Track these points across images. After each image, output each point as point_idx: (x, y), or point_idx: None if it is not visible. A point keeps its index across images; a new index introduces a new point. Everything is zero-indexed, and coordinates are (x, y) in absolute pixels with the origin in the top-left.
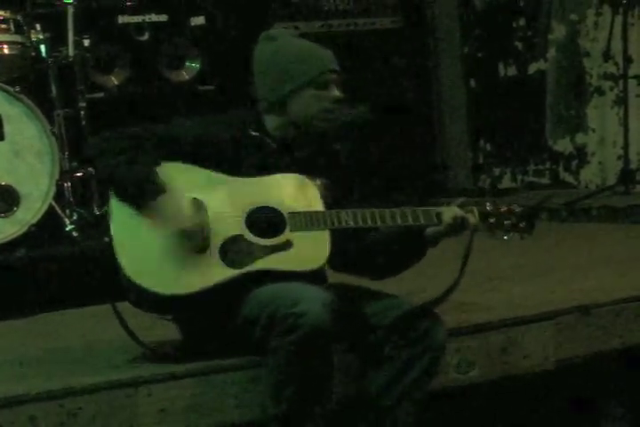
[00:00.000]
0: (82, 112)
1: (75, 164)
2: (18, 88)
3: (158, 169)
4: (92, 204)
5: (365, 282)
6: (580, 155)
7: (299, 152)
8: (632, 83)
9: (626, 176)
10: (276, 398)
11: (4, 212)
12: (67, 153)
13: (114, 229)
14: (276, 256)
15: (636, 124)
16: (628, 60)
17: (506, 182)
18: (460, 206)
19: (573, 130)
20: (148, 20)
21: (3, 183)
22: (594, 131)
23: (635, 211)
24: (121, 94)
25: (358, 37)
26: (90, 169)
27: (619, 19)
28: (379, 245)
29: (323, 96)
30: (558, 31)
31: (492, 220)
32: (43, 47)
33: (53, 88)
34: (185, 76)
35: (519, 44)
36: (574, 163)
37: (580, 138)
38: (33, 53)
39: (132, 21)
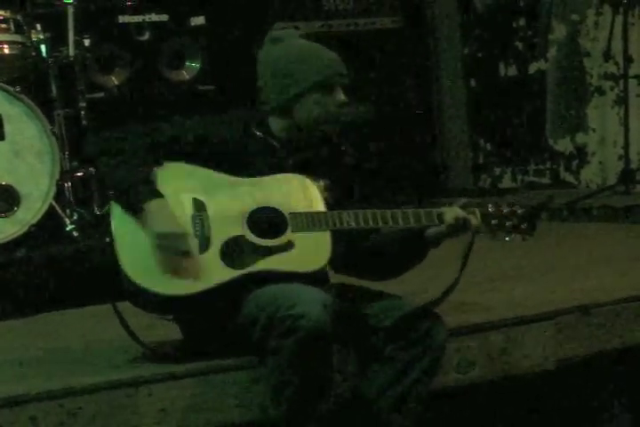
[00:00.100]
0: (82, 112)
1: (75, 163)
2: (18, 88)
3: (159, 169)
4: (92, 204)
5: (366, 282)
6: (581, 155)
7: (302, 153)
8: (632, 82)
9: (626, 176)
10: (276, 399)
11: (5, 212)
12: (67, 153)
13: (115, 228)
14: (278, 257)
15: (636, 124)
16: (628, 59)
17: (506, 182)
18: (462, 207)
19: (574, 130)
20: (148, 20)
21: (3, 183)
22: (594, 131)
23: (635, 211)
24: (121, 94)
25: (358, 37)
26: (90, 169)
27: (619, 18)
28: (380, 246)
29: (327, 100)
30: (559, 31)
31: (493, 221)
32: (43, 47)
33: (54, 88)
34: (185, 75)
35: (519, 44)
36: (575, 163)
37: (580, 138)
38: (33, 53)
39: (133, 21)
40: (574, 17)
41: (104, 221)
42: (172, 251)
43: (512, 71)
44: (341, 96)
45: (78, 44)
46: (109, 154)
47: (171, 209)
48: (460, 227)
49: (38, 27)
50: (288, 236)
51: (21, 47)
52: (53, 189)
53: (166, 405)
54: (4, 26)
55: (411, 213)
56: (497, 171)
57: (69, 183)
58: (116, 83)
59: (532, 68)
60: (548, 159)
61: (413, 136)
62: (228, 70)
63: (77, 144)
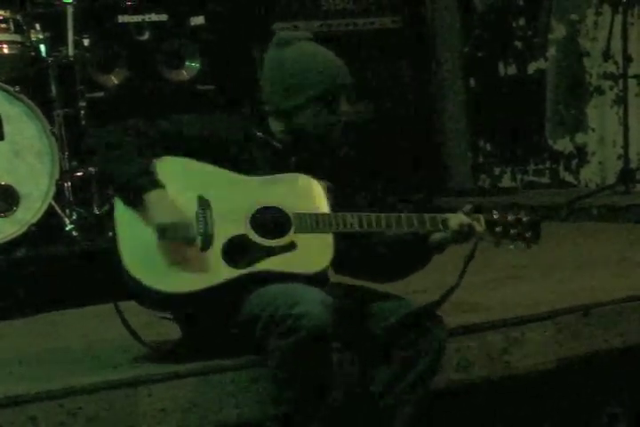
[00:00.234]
0: (82, 112)
1: (74, 163)
2: (18, 88)
3: (165, 162)
4: (91, 203)
5: (367, 283)
6: (580, 154)
7: (303, 154)
8: (632, 82)
9: (626, 175)
10: (276, 399)
11: (4, 211)
12: (66, 153)
13: (117, 225)
14: (280, 257)
15: (635, 124)
16: (627, 59)
17: (506, 182)
18: (467, 214)
19: (573, 129)
20: (147, 20)
21: (2, 183)
22: (594, 130)
23: (635, 210)
24: (121, 94)
25: (358, 37)
26: (90, 169)
27: (618, 18)
28: (383, 249)
29: (330, 111)
30: (558, 31)
31: (498, 228)
32: (42, 47)
33: (53, 88)
34: (185, 75)
35: (519, 44)
36: (574, 162)
37: (579, 137)
38: (33, 53)
39: (132, 21)
40: (574, 17)
41: (103, 220)
42: (175, 240)
43: (512, 71)
44: (344, 106)
45: (78, 44)
46: (109, 147)
47: (171, 199)
48: (465, 233)
49: (38, 26)
50: (291, 236)
51: (21, 47)
52: (53, 189)
53: (166, 405)
54: (3, 26)
55: (415, 217)
56: (496, 170)
57: (69, 183)
58: (116, 82)
59: (532, 67)
60: (547, 159)
61: (413, 136)
62: (228, 70)
63: (77, 144)
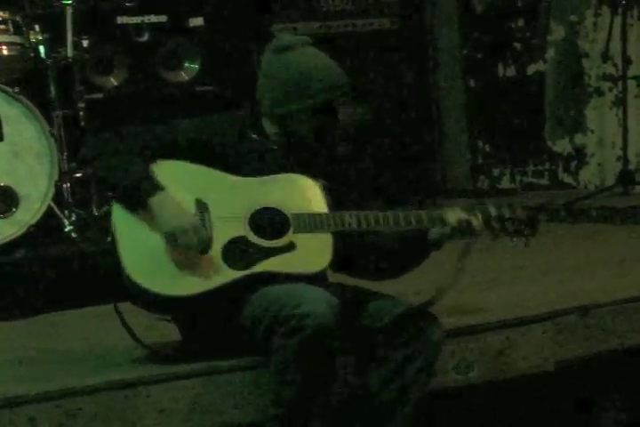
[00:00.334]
0: (81, 113)
1: (74, 165)
2: (17, 89)
3: (160, 167)
4: (90, 204)
5: (363, 282)
6: (579, 156)
7: (298, 154)
8: (631, 84)
9: (625, 177)
10: (277, 399)
11: (3, 213)
12: (65, 154)
13: (116, 229)
14: (280, 258)
15: (634, 125)
16: (626, 60)
17: (505, 183)
18: (464, 210)
19: (572, 131)
20: (147, 21)
21: (2, 184)
22: (593, 132)
23: (634, 211)
24: (120, 95)
25: (357, 38)
26: (89, 170)
27: (618, 19)
28: (381, 247)
29: (326, 117)
30: (557, 32)
31: (495, 224)
32: (42, 48)
33: (52, 89)
34: (184, 76)
35: (518, 45)
36: (573, 164)
37: (578, 139)
38: (32, 54)
39: (131, 22)
40: (573, 18)
41: (103, 221)
42: (185, 245)
43: (511, 72)
44: (340, 115)
45: (77, 45)
46: (106, 155)
47: (176, 202)
48: (463, 229)
49: (37, 27)
50: (290, 237)
51: (20, 48)
52: (52, 190)
53: (165, 406)
54: (2, 27)
55: (412, 214)
56: (495, 172)
57: (68, 184)
58: (115, 84)
59: (531, 69)
60: (546, 160)
61: (412, 137)
62: (227, 71)
63: (76, 145)
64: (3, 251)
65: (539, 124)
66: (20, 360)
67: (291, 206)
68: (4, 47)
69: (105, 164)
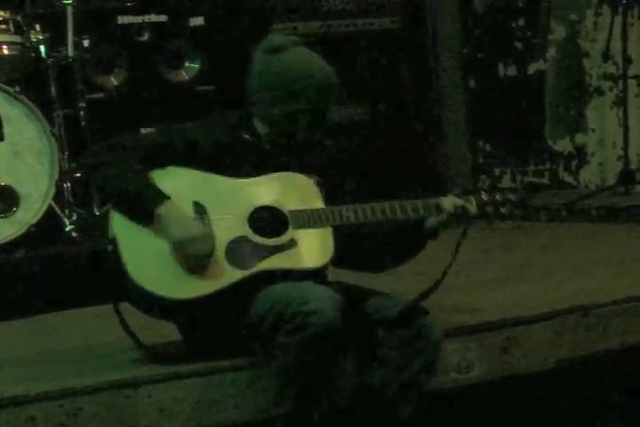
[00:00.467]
0: (81, 112)
1: (74, 164)
2: (17, 89)
3: (157, 174)
4: (91, 204)
5: (358, 279)
6: (580, 155)
7: (291, 154)
8: (632, 83)
9: (625, 176)
10: (280, 398)
11: (4, 212)
12: (66, 153)
13: (117, 235)
14: (282, 255)
15: (635, 125)
16: (627, 60)
17: (505, 182)
18: (458, 196)
19: (573, 130)
20: (147, 21)
21: (2, 184)
22: (593, 131)
23: (634, 211)
24: (120, 95)
25: (357, 38)
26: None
27: (618, 19)
28: (378, 238)
29: (317, 121)
30: (558, 31)
31: (489, 208)
32: (42, 48)
33: (53, 89)
34: (184, 76)
35: (519, 45)
36: (574, 163)
37: (579, 138)
38: (32, 54)
39: (132, 22)
40: (573, 17)
41: (104, 221)
42: (195, 253)
43: (511, 71)
44: (333, 112)
45: (77, 45)
46: (104, 166)
47: (182, 211)
48: (459, 215)
49: (37, 27)
50: (290, 234)
51: (21, 48)
52: (53, 190)
53: (166, 405)
54: (3, 26)
55: (408, 204)
56: (496, 171)
57: (69, 184)
58: (116, 83)
59: (532, 68)
60: (547, 160)
61: (412, 136)
62: (227, 71)
63: (77, 145)
64: (3, 250)
65: (539, 124)
66: (20, 360)
67: (288, 204)
68: (4, 47)
69: (106, 174)
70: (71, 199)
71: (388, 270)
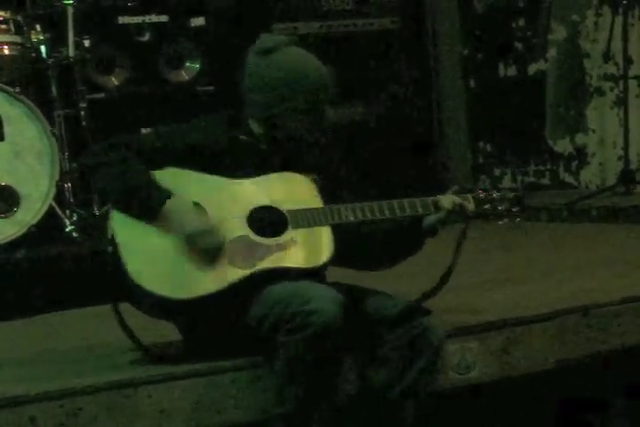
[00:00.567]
0: (82, 113)
1: (75, 164)
2: (18, 89)
3: (155, 175)
4: (92, 204)
5: (359, 279)
6: (580, 155)
7: (288, 154)
8: (632, 83)
9: (626, 177)
10: (281, 397)
11: (4, 212)
12: (67, 154)
13: (118, 235)
14: (282, 254)
15: (636, 125)
16: (628, 60)
17: (506, 183)
18: (455, 193)
19: (573, 130)
20: (148, 21)
21: (3, 184)
22: (594, 131)
23: (635, 211)
24: (121, 95)
25: (357, 38)
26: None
27: (619, 19)
28: (376, 236)
29: (314, 117)
30: (558, 32)
31: (486, 206)
32: (43, 48)
33: (53, 89)
34: (185, 76)
35: (519, 45)
36: (574, 163)
37: (580, 138)
38: (33, 54)
39: (133, 22)
40: (574, 18)
41: (104, 221)
42: (206, 246)
43: (512, 72)
44: (326, 114)
45: (78, 45)
46: (104, 168)
47: (188, 205)
48: (457, 212)
49: (38, 27)
50: (289, 233)
51: (21, 48)
52: (53, 190)
53: (166, 406)
54: (3, 27)
55: (406, 202)
56: (496, 171)
57: (69, 184)
58: (116, 83)
59: (532, 68)
60: (547, 160)
61: (412, 136)
62: (228, 71)
63: (77, 145)
64: (3, 251)
65: (540, 124)
66: (20, 360)
67: (286, 203)
68: (5, 47)
69: (107, 173)
70: (71, 199)
71: (386, 269)
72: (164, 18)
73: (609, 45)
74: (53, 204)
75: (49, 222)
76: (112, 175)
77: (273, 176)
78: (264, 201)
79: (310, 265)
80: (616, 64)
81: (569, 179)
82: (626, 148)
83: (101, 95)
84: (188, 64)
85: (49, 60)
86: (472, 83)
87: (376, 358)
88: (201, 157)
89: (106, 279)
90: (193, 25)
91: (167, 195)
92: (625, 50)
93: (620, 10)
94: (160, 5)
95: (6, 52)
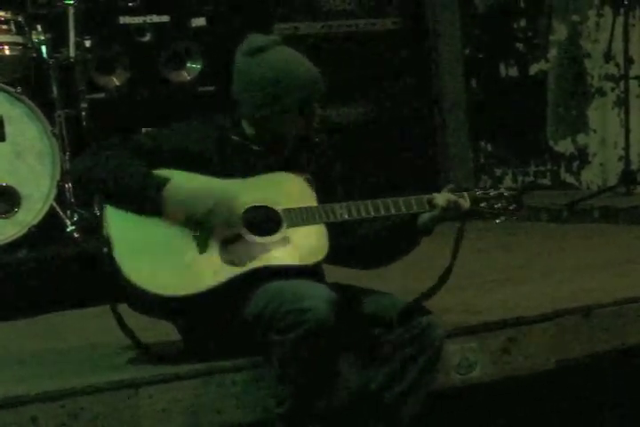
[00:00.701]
0: (83, 113)
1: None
2: (19, 89)
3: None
4: (92, 204)
5: (358, 279)
6: (581, 156)
7: (280, 154)
8: (633, 84)
9: (627, 177)
10: (279, 397)
11: (5, 213)
12: (68, 154)
13: (112, 233)
14: (276, 253)
15: (637, 125)
16: (629, 60)
17: (507, 183)
18: (451, 191)
19: (574, 131)
20: (149, 21)
21: (4, 184)
22: (595, 132)
23: (635, 212)
24: (122, 95)
25: (358, 38)
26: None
27: (620, 20)
28: (370, 235)
29: (305, 117)
30: (559, 32)
31: (482, 204)
32: (44, 48)
33: (54, 89)
34: (186, 76)
35: (520, 45)
36: (575, 164)
37: (581, 139)
38: (34, 54)
39: (134, 22)
40: (575, 18)
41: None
42: (222, 223)
43: (513, 72)
44: (316, 117)
45: (79, 45)
46: (98, 166)
47: (188, 185)
48: (452, 210)
49: (39, 28)
50: (284, 232)
51: (22, 48)
52: (54, 191)
53: (167, 406)
54: (4, 27)
55: (401, 200)
56: (497, 172)
57: (70, 184)
58: (117, 84)
59: (533, 68)
60: (548, 160)
61: (413, 137)
62: (229, 72)
63: (78, 145)
64: (4, 251)
65: (541, 124)
66: (21, 360)
67: (280, 202)
68: (5, 47)
69: (101, 171)
70: (72, 200)
71: (381, 267)
72: (165, 18)
73: (610, 46)
74: (54, 204)
75: (50, 223)
76: (104, 171)
77: (266, 176)
78: (258, 200)
79: (305, 263)
80: (617, 64)
81: (570, 179)
82: (627, 148)
83: (102, 95)
84: (188, 64)
85: (50, 61)
86: (473, 83)
87: (376, 359)
88: (193, 158)
89: (106, 279)
90: (194, 25)
91: (165, 181)
92: (626, 50)
93: (622, 10)
94: (161, 6)
95: (7, 52)
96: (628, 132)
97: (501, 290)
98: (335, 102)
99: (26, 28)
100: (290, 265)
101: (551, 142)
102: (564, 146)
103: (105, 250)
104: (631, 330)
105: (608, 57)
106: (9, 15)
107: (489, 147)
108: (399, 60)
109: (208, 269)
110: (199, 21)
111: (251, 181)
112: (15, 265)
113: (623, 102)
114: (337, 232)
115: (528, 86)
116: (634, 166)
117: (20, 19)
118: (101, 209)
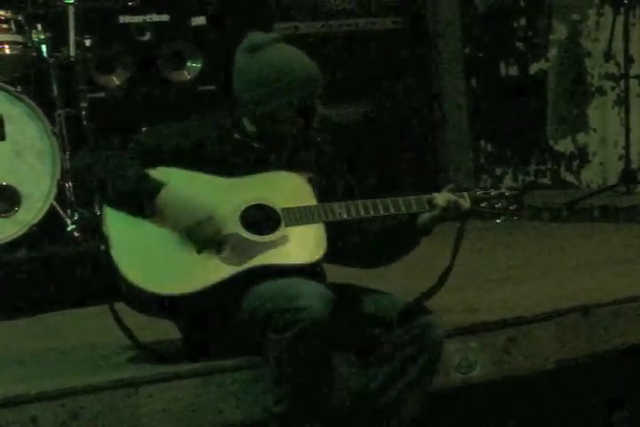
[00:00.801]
0: (83, 112)
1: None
2: (19, 88)
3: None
4: (93, 204)
5: (355, 278)
6: (582, 155)
7: (281, 152)
8: (633, 83)
9: (627, 176)
10: (277, 396)
11: (5, 212)
12: (68, 153)
13: (111, 231)
14: (274, 251)
15: (637, 124)
16: (629, 60)
17: (507, 183)
18: (451, 191)
19: (574, 130)
20: (149, 20)
21: (4, 183)
22: (595, 131)
23: (636, 211)
24: (122, 94)
25: (359, 38)
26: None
27: (620, 19)
28: (372, 235)
29: (302, 120)
30: (559, 31)
31: (483, 204)
32: (44, 47)
33: (54, 88)
34: (186, 76)
35: (520, 45)
36: (575, 163)
37: (581, 138)
38: (34, 53)
39: (134, 21)
40: (575, 17)
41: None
42: (205, 236)
43: (513, 71)
44: (319, 109)
45: (79, 45)
46: (95, 166)
47: (183, 195)
48: (452, 210)
49: (39, 27)
50: (282, 230)
51: (22, 47)
52: (54, 190)
53: (167, 405)
54: (4, 26)
55: (401, 200)
56: (498, 171)
57: (70, 183)
58: (117, 83)
59: (533, 68)
60: (548, 159)
61: (413, 136)
62: (229, 71)
63: (78, 144)
64: (4, 250)
65: (541, 124)
66: (21, 360)
67: (280, 201)
68: (6, 46)
69: (96, 175)
70: (73, 199)
71: (381, 267)
72: (165, 17)
73: (610, 45)
74: (54, 203)
75: (50, 222)
76: (103, 171)
77: (266, 175)
78: (257, 199)
79: (303, 262)
80: (617, 63)
81: (570, 178)
82: (627, 147)
83: (102, 95)
84: (189, 64)
85: (50, 60)
86: (473, 82)
87: (376, 359)
88: (194, 156)
89: (105, 279)
90: (194, 24)
91: (157, 187)
92: (626, 49)
93: (622, 9)
94: (161, 5)
95: (7, 51)
96: (628, 131)
97: (501, 290)
98: (335, 102)
99: (26, 28)
100: (288, 264)
101: (551, 141)
102: (564, 145)
103: (102, 248)
104: (631, 329)
105: (608, 56)
106: (9, 14)
107: (489, 146)
108: (399, 59)
109: (206, 268)
110: (199, 20)
111: (251, 179)
112: (15, 265)
113: (623, 101)
114: (336, 232)
115: (528, 85)
116: (634, 165)
117: (20, 18)
118: (101, 208)
